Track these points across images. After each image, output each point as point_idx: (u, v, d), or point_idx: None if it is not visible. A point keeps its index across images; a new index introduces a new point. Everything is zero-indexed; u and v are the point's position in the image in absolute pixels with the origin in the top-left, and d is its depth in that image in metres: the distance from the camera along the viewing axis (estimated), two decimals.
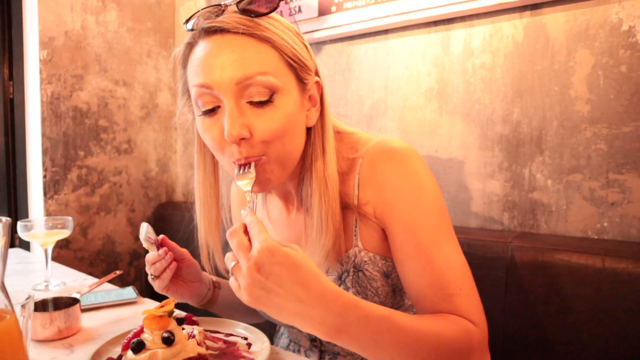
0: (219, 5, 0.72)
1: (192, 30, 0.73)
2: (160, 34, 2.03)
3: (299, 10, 1.56)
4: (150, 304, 1.09)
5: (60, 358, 0.80)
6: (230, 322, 0.89)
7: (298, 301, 0.57)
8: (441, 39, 1.32)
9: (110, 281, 1.21)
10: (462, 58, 1.29)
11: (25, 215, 1.83)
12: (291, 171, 0.78)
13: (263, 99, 0.69)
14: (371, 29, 1.42)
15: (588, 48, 1.10)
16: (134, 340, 0.70)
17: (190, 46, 0.73)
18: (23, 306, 0.70)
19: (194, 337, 0.75)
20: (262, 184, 0.75)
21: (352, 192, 0.79)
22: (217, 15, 0.71)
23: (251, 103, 0.69)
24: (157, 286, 0.85)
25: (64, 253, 1.78)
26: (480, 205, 1.28)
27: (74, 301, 0.92)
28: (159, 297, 1.24)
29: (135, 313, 1.02)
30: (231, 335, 0.85)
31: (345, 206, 0.80)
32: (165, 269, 0.83)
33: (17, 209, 1.87)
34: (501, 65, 1.23)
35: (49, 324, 0.86)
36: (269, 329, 1.03)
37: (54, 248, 1.66)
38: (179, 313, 0.87)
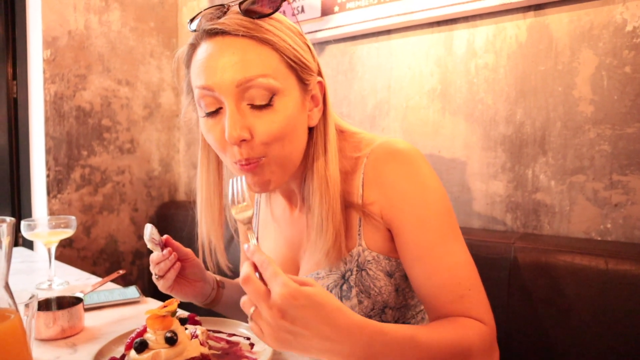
0: (222, 5, 0.72)
1: (195, 31, 0.73)
2: (163, 34, 2.03)
3: (302, 10, 1.56)
4: (153, 304, 1.09)
5: (64, 357, 0.80)
6: (232, 322, 0.89)
7: (325, 339, 0.57)
8: (444, 39, 1.32)
9: (113, 280, 1.22)
10: (465, 58, 1.29)
11: (28, 214, 1.83)
12: (292, 172, 0.78)
13: (263, 102, 0.70)
14: (374, 29, 1.42)
15: (592, 49, 1.10)
16: (137, 340, 0.70)
17: (193, 47, 0.74)
18: (27, 305, 0.71)
19: (196, 337, 0.75)
20: (262, 185, 0.76)
21: (357, 191, 0.80)
22: (220, 16, 0.71)
23: (252, 105, 0.70)
24: (161, 286, 0.86)
25: (67, 252, 1.78)
26: (483, 205, 1.28)
27: (77, 300, 0.92)
28: (162, 297, 1.24)
29: (138, 312, 1.02)
30: (234, 335, 0.85)
31: (349, 205, 0.80)
32: (169, 269, 0.84)
33: (20, 208, 1.88)
34: (504, 66, 1.22)
35: (53, 323, 0.86)
36: None
37: (57, 247, 1.67)
38: (181, 313, 0.87)
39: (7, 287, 0.56)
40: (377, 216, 0.78)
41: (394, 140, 0.80)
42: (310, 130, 0.79)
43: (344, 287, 0.80)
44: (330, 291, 0.81)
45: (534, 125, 1.19)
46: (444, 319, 0.72)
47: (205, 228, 0.87)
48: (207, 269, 0.93)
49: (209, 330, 0.83)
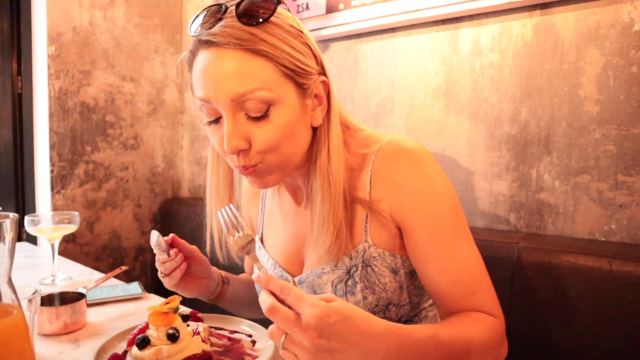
0: (220, 6, 0.72)
1: (195, 35, 0.73)
2: (167, 30, 2.03)
3: (307, 7, 1.56)
4: (155, 300, 1.09)
5: (67, 352, 0.80)
6: (235, 319, 0.89)
7: (361, 349, 0.57)
8: (449, 37, 1.31)
9: (116, 276, 1.22)
10: (471, 57, 1.28)
11: (32, 209, 1.84)
12: (292, 170, 0.80)
13: (259, 113, 0.71)
14: (379, 26, 1.41)
15: (598, 48, 1.09)
16: (139, 336, 0.70)
17: (193, 54, 0.74)
18: (30, 301, 0.71)
19: (198, 334, 0.75)
20: (262, 185, 0.78)
21: (364, 187, 0.80)
22: (215, 23, 0.70)
23: (248, 116, 0.71)
24: (167, 283, 0.86)
25: (71, 247, 1.79)
26: (486, 205, 1.27)
27: (80, 296, 0.93)
28: (164, 293, 1.24)
29: (141, 308, 1.03)
30: (236, 332, 0.85)
31: (355, 200, 0.81)
32: (175, 269, 0.84)
33: (24, 203, 1.88)
34: (510, 65, 1.22)
35: (55, 319, 0.87)
36: None
37: (61, 242, 1.67)
38: (184, 310, 0.87)
39: (10, 283, 0.56)
40: (385, 213, 0.79)
41: (402, 138, 0.81)
42: (315, 127, 0.79)
43: (349, 282, 0.81)
44: (335, 286, 0.82)
45: (539, 124, 1.18)
46: (458, 315, 0.75)
47: (216, 219, 0.89)
48: (218, 260, 0.94)
49: (211, 327, 0.83)
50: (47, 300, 0.92)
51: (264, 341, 0.81)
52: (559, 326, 0.99)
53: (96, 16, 1.81)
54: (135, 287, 1.12)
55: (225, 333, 0.84)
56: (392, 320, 0.80)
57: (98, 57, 1.83)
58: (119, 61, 1.89)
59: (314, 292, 0.85)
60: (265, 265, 0.93)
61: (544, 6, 1.16)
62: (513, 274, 1.05)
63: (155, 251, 0.84)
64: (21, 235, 1.82)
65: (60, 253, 1.69)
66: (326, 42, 1.56)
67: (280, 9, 0.73)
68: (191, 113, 2.09)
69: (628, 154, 1.07)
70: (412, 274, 0.84)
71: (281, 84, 0.71)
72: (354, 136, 0.84)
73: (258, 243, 0.98)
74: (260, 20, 0.69)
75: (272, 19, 0.71)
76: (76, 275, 1.29)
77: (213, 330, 0.83)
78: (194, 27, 0.74)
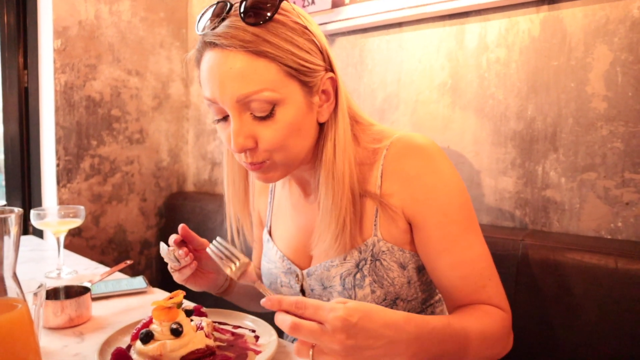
0: (225, 5, 0.72)
1: (201, 34, 0.74)
2: (173, 24, 2.03)
3: (312, 2, 1.55)
4: (160, 294, 1.10)
5: (71, 346, 0.81)
6: (238, 314, 0.89)
7: (385, 341, 0.60)
8: (456, 32, 1.30)
9: (121, 270, 1.22)
10: (477, 52, 1.27)
11: (38, 203, 1.85)
12: (298, 166, 0.81)
13: (264, 113, 0.72)
14: (385, 21, 1.41)
15: (606, 44, 1.08)
16: (143, 330, 0.70)
17: (200, 53, 0.75)
18: (35, 294, 0.72)
19: (202, 329, 0.75)
20: (267, 180, 0.80)
21: (375, 181, 0.81)
22: (221, 21, 0.71)
23: (254, 116, 0.72)
24: (176, 278, 0.87)
25: (77, 241, 1.80)
26: (492, 201, 1.27)
27: (85, 290, 0.93)
28: (169, 287, 1.25)
29: (145, 303, 1.03)
30: (239, 327, 0.85)
31: (365, 194, 0.81)
32: (185, 267, 0.85)
33: (30, 197, 1.89)
34: (516, 61, 1.21)
35: (61, 312, 0.87)
36: None
37: (67, 236, 1.69)
38: (187, 305, 0.88)
39: (15, 277, 0.56)
40: (396, 208, 0.80)
41: (413, 134, 0.82)
42: (322, 123, 0.80)
43: (358, 276, 0.81)
44: (344, 280, 0.82)
45: (545, 121, 1.17)
46: (469, 307, 0.78)
47: (233, 208, 0.92)
48: (235, 248, 0.95)
49: (214, 322, 0.83)
50: (53, 294, 0.92)
51: (267, 336, 0.81)
52: (564, 324, 0.99)
53: (102, 10, 1.81)
54: (139, 282, 1.13)
55: (229, 328, 0.84)
56: None
57: (103, 51, 1.83)
58: (124, 55, 1.89)
59: (322, 285, 0.86)
60: (273, 257, 0.94)
61: (551, 1, 1.15)
62: (518, 271, 1.04)
63: (166, 260, 0.85)
64: (27, 228, 1.83)
65: (66, 246, 1.70)
66: (332, 36, 1.55)
67: (284, 4, 0.72)
68: (196, 107, 2.09)
69: (635, 151, 1.06)
70: (420, 269, 0.84)
71: (285, 84, 0.71)
72: (365, 131, 0.85)
73: (266, 236, 0.98)
74: (263, 20, 0.69)
75: (276, 16, 0.70)
76: (81, 269, 1.29)
77: (217, 325, 0.84)
78: (200, 26, 0.74)
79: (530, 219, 1.21)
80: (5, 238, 0.54)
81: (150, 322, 0.74)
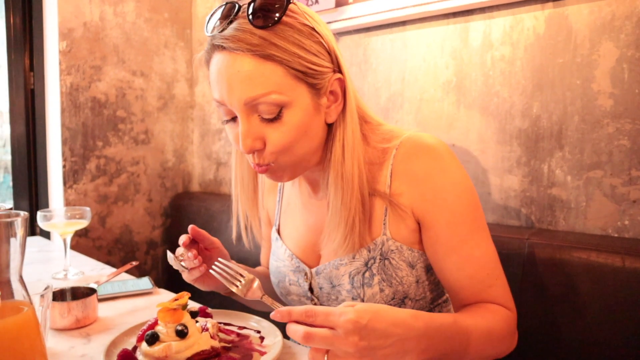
0: (233, 6, 0.72)
1: (210, 35, 0.75)
2: (177, 25, 2.03)
3: (316, 1, 1.55)
4: (165, 295, 1.10)
5: (78, 347, 0.82)
6: (243, 315, 0.89)
7: (395, 340, 0.61)
8: (460, 30, 1.29)
9: (127, 270, 1.23)
10: (481, 50, 1.26)
11: (45, 203, 1.86)
12: (307, 166, 0.82)
13: (271, 116, 0.72)
14: (389, 20, 1.40)
15: (613, 41, 1.07)
16: (149, 332, 0.71)
17: (209, 54, 0.76)
18: (42, 296, 0.72)
19: (207, 330, 0.76)
20: (276, 180, 0.81)
21: (384, 181, 0.82)
22: (229, 24, 0.71)
23: (262, 118, 0.73)
24: (185, 277, 0.88)
25: (83, 241, 1.81)
26: (497, 200, 1.26)
27: (91, 291, 0.94)
28: (175, 288, 1.26)
29: (151, 304, 1.04)
30: (244, 328, 0.86)
31: (375, 193, 0.82)
32: (194, 269, 0.85)
33: (37, 198, 1.91)
34: (521, 58, 1.20)
35: (67, 314, 0.88)
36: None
37: (73, 236, 1.70)
38: (192, 306, 0.88)
39: (21, 280, 0.57)
40: (405, 207, 0.80)
41: (423, 134, 0.82)
42: (331, 123, 0.80)
43: (366, 274, 0.82)
44: (352, 278, 0.83)
45: (551, 119, 1.16)
46: (475, 306, 0.79)
47: (242, 206, 0.92)
48: (244, 246, 0.97)
49: (219, 323, 0.84)
50: (59, 295, 0.93)
51: (272, 337, 0.81)
52: (570, 323, 0.98)
53: (106, 11, 1.82)
54: (145, 282, 1.13)
55: (234, 329, 0.85)
56: None
57: (108, 52, 1.84)
58: (129, 56, 1.89)
59: (331, 284, 0.86)
60: (282, 256, 0.95)
61: None
62: (524, 270, 1.04)
63: (175, 267, 0.85)
64: (34, 229, 1.84)
65: (73, 247, 1.72)
66: (335, 35, 1.54)
67: (292, 6, 0.73)
68: (201, 107, 2.10)
69: None
70: (428, 268, 0.85)
71: (293, 87, 0.72)
72: (374, 130, 0.85)
73: (275, 234, 0.99)
74: (271, 23, 0.69)
75: (284, 19, 0.71)
76: (88, 270, 1.30)
77: (222, 326, 0.84)
78: (209, 27, 0.75)
79: (536, 217, 1.20)
80: (12, 241, 0.54)
81: (155, 323, 0.74)
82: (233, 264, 0.77)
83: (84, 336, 0.86)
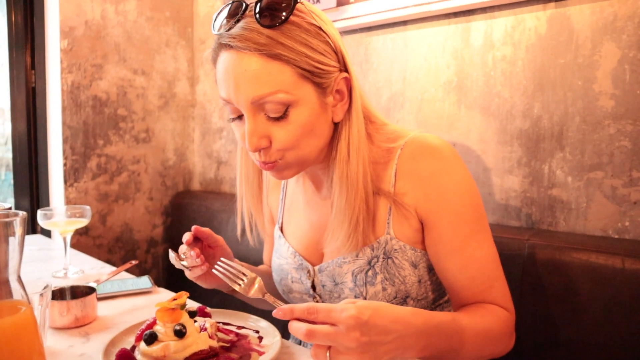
0: (240, 4, 0.72)
1: (217, 34, 0.75)
2: (178, 24, 2.03)
3: (318, 1, 1.54)
4: (165, 294, 1.10)
5: (77, 346, 0.82)
6: (242, 315, 0.89)
7: (395, 336, 0.62)
8: (461, 30, 1.29)
9: (127, 269, 1.23)
10: (483, 50, 1.26)
11: (46, 202, 1.87)
12: (311, 164, 0.82)
13: (278, 114, 0.73)
14: (390, 19, 1.40)
15: (614, 41, 1.07)
16: (147, 332, 0.71)
17: (216, 53, 0.76)
18: (41, 295, 0.72)
19: (205, 330, 0.76)
20: (282, 177, 0.82)
21: (389, 180, 0.82)
22: (236, 22, 0.72)
23: (268, 116, 0.73)
24: (188, 275, 0.88)
25: (84, 240, 1.82)
26: (497, 200, 1.26)
27: (91, 290, 0.94)
28: (174, 287, 1.26)
29: (150, 303, 1.04)
30: (243, 328, 0.86)
31: (379, 192, 0.82)
32: (196, 267, 0.85)
33: (38, 196, 1.91)
34: (522, 58, 1.20)
35: (67, 312, 0.88)
36: (285, 321, 1.04)
37: (74, 235, 1.70)
38: (191, 306, 0.88)
39: (19, 280, 0.57)
40: (409, 207, 0.81)
41: (427, 135, 0.83)
42: (337, 122, 0.81)
43: (369, 273, 0.82)
44: (355, 276, 0.83)
45: (552, 119, 1.16)
46: (474, 305, 0.80)
47: (246, 203, 0.93)
48: (248, 243, 0.98)
49: (218, 323, 0.83)
50: (59, 294, 0.93)
51: (270, 337, 0.81)
52: (569, 324, 0.98)
53: (108, 10, 1.82)
54: (145, 281, 1.14)
55: (233, 328, 0.85)
56: None
57: (110, 50, 1.84)
58: (130, 55, 1.89)
59: (334, 282, 0.86)
60: (285, 253, 0.95)
61: None
62: (523, 271, 1.04)
63: (176, 266, 0.86)
64: (35, 227, 1.85)
65: (73, 245, 1.72)
66: None
67: (299, 5, 0.73)
68: (202, 106, 2.10)
69: None
70: (430, 268, 0.85)
71: (299, 86, 0.72)
72: (378, 130, 0.86)
73: (278, 232, 0.99)
74: (278, 22, 0.70)
75: (291, 18, 0.71)
76: (88, 269, 1.30)
77: (220, 325, 0.84)
78: (216, 25, 0.76)
79: (536, 218, 1.20)
80: (11, 240, 0.55)
81: (154, 323, 0.74)
82: (236, 263, 0.77)
83: (83, 335, 0.86)
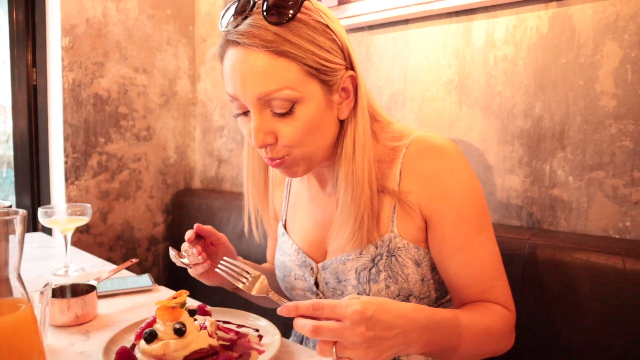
0: (248, 1, 0.73)
1: (224, 30, 0.75)
2: (180, 22, 2.03)
3: None
4: (165, 292, 1.10)
5: (77, 344, 0.82)
6: (242, 313, 0.90)
7: (398, 331, 0.63)
8: (463, 29, 1.29)
9: (128, 267, 1.23)
10: (484, 50, 1.26)
11: (47, 200, 1.87)
12: (320, 162, 0.82)
13: (284, 110, 0.73)
14: (391, 18, 1.39)
15: (617, 41, 1.06)
16: (147, 330, 0.71)
17: (223, 49, 0.77)
18: (41, 293, 0.72)
19: (205, 328, 0.76)
20: (291, 175, 0.83)
21: (393, 179, 0.83)
22: (244, 19, 0.72)
23: (274, 113, 0.74)
24: (191, 273, 0.88)
25: (85, 238, 1.82)
26: (498, 200, 1.26)
27: (91, 288, 0.94)
28: (175, 285, 1.26)
29: (151, 301, 1.04)
30: (243, 326, 0.86)
31: (384, 190, 0.83)
32: (198, 265, 0.85)
33: (40, 194, 1.91)
34: (524, 58, 1.19)
35: (67, 310, 0.88)
36: (285, 319, 1.04)
37: (75, 232, 1.70)
38: (191, 304, 0.88)
39: (19, 278, 0.57)
40: (413, 205, 0.81)
41: (432, 134, 0.84)
42: (342, 120, 0.81)
43: (373, 270, 0.83)
44: (359, 274, 0.84)
45: (553, 119, 1.16)
46: (475, 304, 0.81)
47: (252, 200, 0.94)
48: (254, 239, 0.98)
49: (218, 321, 0.84)
50: (59, 292, 0.93)
51: (270, 336, 0.81)
52: (570, 324, 0.98)
53: (109, 8, 1.82)
54: (145, 280, 1.14)
55: (233, 327, 0.85)
56: None
57: (111, 48, 1.84)
58: (131, 53, 1.89)
59: (337, 279, 0.87)
60: (288, 250, 0.95)
61: None
62: (524, 271, 1.04)
63: (177, 264, 0.86)
64: (36, 225, 1.85)
65: (74, 243, 1.72)
66: None
67: (307, 3, 0.74)
68: (203, 104, 2.10)
69: None
70: (433, 267, 0.85)
71: (305, 83, 0.73)
72: (383, 129, 0.86)
73: (281, 229, 0.99)
74: (286, 19, 0.70)
75: (298, 15, 0.72)
76: (89, 267, 1.31)
77: (220, 324, 0.84)
78: (223, 22, 0.76)
79: (537, 217, 1.20)
80: (11, 238, 0.55)
81: (154, 321, 0.74)
82: (238, 263, 0.77)
83: (84, 333, 0.86)
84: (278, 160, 0.78)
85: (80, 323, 0.90)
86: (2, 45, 1.87)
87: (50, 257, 1.41)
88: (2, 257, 0.54)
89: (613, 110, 1.07)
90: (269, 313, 0.99)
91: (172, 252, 0.85)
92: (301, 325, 0.62)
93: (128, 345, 0.75)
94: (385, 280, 0.82)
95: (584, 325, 0.96)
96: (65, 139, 1.75)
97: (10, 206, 0.91)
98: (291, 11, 0.71)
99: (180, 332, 0.70)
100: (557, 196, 1.16)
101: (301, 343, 1.00)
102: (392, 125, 0.87)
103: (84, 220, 1.26)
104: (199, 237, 0.87)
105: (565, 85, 1.13)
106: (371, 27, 1.47)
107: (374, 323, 0.61)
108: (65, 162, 1.76)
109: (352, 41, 1.50)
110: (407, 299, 0.84)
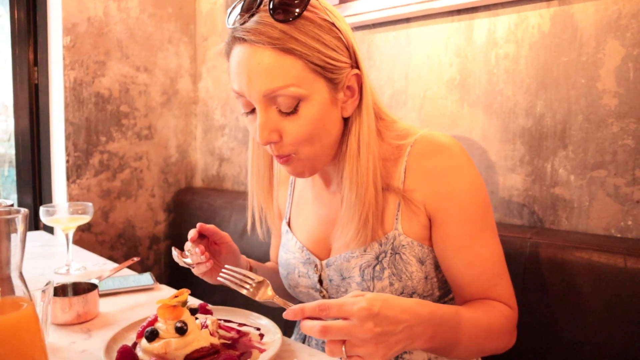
0: None
1: (231, 27, 0.76)
2: (181, 20, 2.03)
3: None
4: (166, 291, 1.10)
5: (79, 342, 0.82)
6: (243, 312, 0.90)
7: (404, 326, 0.64)
8: (464, 28, 1.29)
9: (129, 266, 1.23)
10: (486, 48, 1.25)
11: (49, 198, 1.87)
12: (326, 161, 0.83)
13: (289, 109, 0.74)
14: (393, 17, 1.39)
15: (619, 39, 1.06)
16: (148, 329, 0.71)
17: (229, 46, 0.77)
18: (43, 291, 0.73)
19: (206, 327, 0.76)
20: (298, 174, 0.83)
21: (398, 177, 0.83)
22: (250, 16, 0.72)
23: (279, 111, 0.74)
24: (195, 272, 0.88)
25: (86, 236, 1.82)
26: (499, 199, 1.26)
27: (93, 287, 0.94)
28: (176, 284, 1.26)
29: (152, 299, 1.04)
30: (244, 325, 0.86)
31: (389, 188, 0.83)
32: (201, 264, 0.85)
33: (41, 193, 1.92)
34: (526, 56, 1.19)
35: (68, 309, 0.88)
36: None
37: (76, 231, 1.70)
38: (192, 303, 0.88)
39: (21, 276, 0.57)
40: (418, 203, 0.82)
41: (437, 133, 0.85)
42: (347, 118, 0.81)
43: (377, 268, 0.83)
44: (363, 271, 0.84)
45: (555, 117, 1.15)
46: (477, 301, 0.81)
47: (257, 198, 0.94)
48: (258, 237, 0.98)
49: (219, 320, 0.84)
50: (61, 291, 0.93)
51: (271, 334, 0.81)
52: (571, 323, 0.98)
53: (110, 7, 1.82)
54: (146, 278, 1.14)
55: (234, 326, 0.85)
56: None
57: (112, 47, 1.84)
58: (132, 51, 1.89)
59: (341, 276, 0.87)
60: (292, 248, 0.95)
61: None
62: (525, 269, 1.04)
63: (180, 264, 0.86)
64: (38, 224, 1.85)
65: (76, 242, 1.72)
66: None
67: (313, 1, 0.74)
68: (204, 103, 2.10)
69: None
70: (437, 265, 0.86)
71: (311, 80, 0.73)
72: (388, 127, 0.86)
73: (285, 227, 0.99)
74: (292, 17, 0.71)
75: (304, 13, 0.72)
76: (90, 265, 1.31)
77: (221, 323, 0.84)
78: (230, 20, 0.76)
79: (538, 216, 1.20)
80: (12, 237, 0.55)
81: (155, 320, 0.75)
82: (240, 269, 0.77)
83: (85, 331, 0.86)
84: (285, 157, 0.78)
85: (81, 321, 0.90)
86: (4, 44, 1.87)
87: (51, 256, 1.41)
88: (4, 256, 0.54)
89: (615, 109, 1.07)
90: (269, 312, 0.99)
91: (175, 253, 0.85)
92: (309, 327, 0.62)
93: (129, 343, 0.75)
94: (389, 277, 0.82)
95: (585, 324, 0.96)
96: (67, 137, 1.75)
97: (12, 205, 0.91)
98: (298, 9, 0.71)
99: (181, 330, 0.70)
100: (559, 195, 1.16)
101: (303, 342, 1.00)
102: (397, 124, 0.88)
103: (85, 219, 1.26)
104: (202, 236, 0.87)
105: (567, 84, 1.13)
106: (373, 25, 1.47)
107: (381, 319, 0.61)
108: (67, 161, 1.76)
109: None
110: (410, 296, 0.84)
